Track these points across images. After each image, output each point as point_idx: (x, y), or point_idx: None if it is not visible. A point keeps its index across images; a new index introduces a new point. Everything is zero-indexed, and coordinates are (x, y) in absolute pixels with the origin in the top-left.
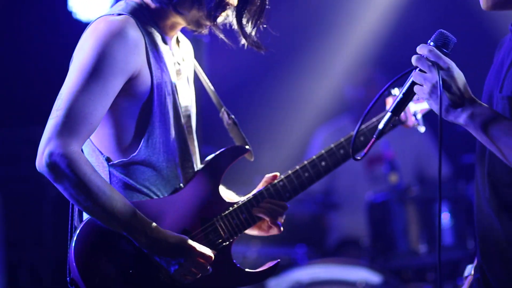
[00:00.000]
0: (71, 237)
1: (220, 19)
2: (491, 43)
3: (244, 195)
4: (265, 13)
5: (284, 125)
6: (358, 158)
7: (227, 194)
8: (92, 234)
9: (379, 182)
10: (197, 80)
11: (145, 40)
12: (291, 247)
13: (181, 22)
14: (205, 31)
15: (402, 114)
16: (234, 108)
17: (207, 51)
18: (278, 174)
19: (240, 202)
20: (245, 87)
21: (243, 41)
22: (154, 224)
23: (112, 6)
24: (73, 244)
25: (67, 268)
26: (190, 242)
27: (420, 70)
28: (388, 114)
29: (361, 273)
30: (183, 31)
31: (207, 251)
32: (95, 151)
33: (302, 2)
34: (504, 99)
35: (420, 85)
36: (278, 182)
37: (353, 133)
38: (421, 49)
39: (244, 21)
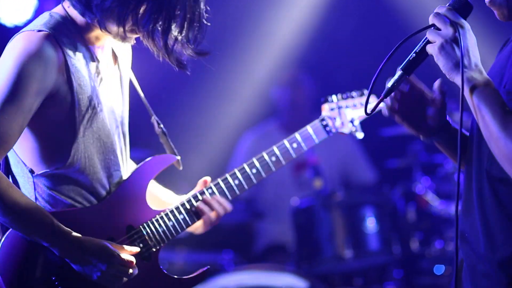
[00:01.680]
0: None
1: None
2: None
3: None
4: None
5: (210, 130)
6: (368, 112)
7: (166, 194)
8: (14, 246)
9: (304, 188)
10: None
11: (64, 56)
12: (218, 253)
13: (106, 34)
14: (131, 42)
15: (339, 120)
16: (159, 111)
17: (133, 53)
18: (208, 179)
19: (167, 210)
20: (171, 91)
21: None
22: (73, 233)
23: (39, 13)
24: None
25: None
26: (110, 247)
27: (435, 28)
28: (399, 72)
29: (288, 279)
30: None
31: (127, 255)
32: (19, 163)
33: (225, 3)
34: (507, 94)
35: (432, 42)
36: (207, 189)
37: (285, 140)
38: (440, 8)
39: (163, 41)
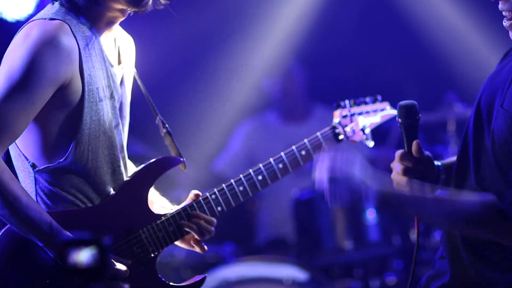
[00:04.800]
0: None
1: None
2: (411, 39)
3: (165, 195)
4: None
5: (208, 122)
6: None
7: (160, 201)
8: (9, 244)
9: (303, 178)
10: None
11: (78, 46)
12: (219, 245)
13: (117, 8)
14: (145, 8)
15: (350, 128)
16: (157, 104)
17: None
18: (200, 193)
19: (169, 215)
20: (168, 84)
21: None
22: (70, 236)
23: (40, 7)
24: None
25: None
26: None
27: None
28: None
29: (288, 271)
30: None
31: (121, 268)
32: (20, 156)
33: None
34: (506, 113)
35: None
36: (210, 195)
37: (294, 147)
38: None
39: None
